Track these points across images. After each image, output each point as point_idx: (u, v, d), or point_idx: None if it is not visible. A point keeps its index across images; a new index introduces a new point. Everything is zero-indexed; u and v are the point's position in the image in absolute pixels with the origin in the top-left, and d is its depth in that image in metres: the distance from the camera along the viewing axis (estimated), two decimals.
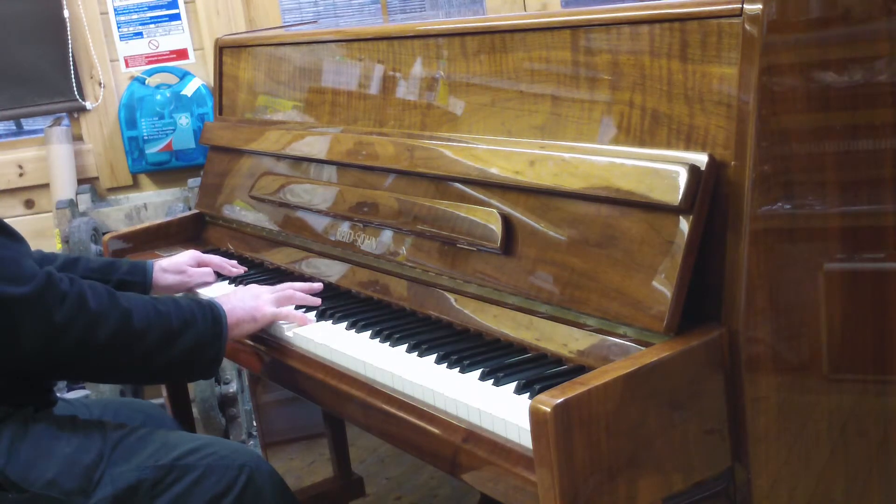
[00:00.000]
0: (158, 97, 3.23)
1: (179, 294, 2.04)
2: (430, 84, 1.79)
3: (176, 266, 2.06)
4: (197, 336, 1.66)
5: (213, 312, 1.70)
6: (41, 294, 1.54)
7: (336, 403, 1.62)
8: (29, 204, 3.39)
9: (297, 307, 1.81)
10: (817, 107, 1.32)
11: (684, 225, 1.27)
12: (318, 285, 1.88)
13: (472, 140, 1.66)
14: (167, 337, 1.63)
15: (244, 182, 2.25)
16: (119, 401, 2.10)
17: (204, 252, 2.29)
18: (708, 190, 1.27)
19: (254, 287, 1.83)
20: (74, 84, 3.27)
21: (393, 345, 1.59)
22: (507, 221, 1.53)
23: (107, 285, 1.66)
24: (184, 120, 3.24)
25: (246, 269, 2.12)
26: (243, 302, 1.77)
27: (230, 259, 2.21)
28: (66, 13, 3.21)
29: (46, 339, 1.55)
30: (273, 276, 2.06)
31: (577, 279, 1.40)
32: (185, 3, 3.30)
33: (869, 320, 1.41)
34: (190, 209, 2.87)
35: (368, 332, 1.65)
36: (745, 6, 1.25)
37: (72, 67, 3.26)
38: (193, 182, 3.16)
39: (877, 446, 1.45)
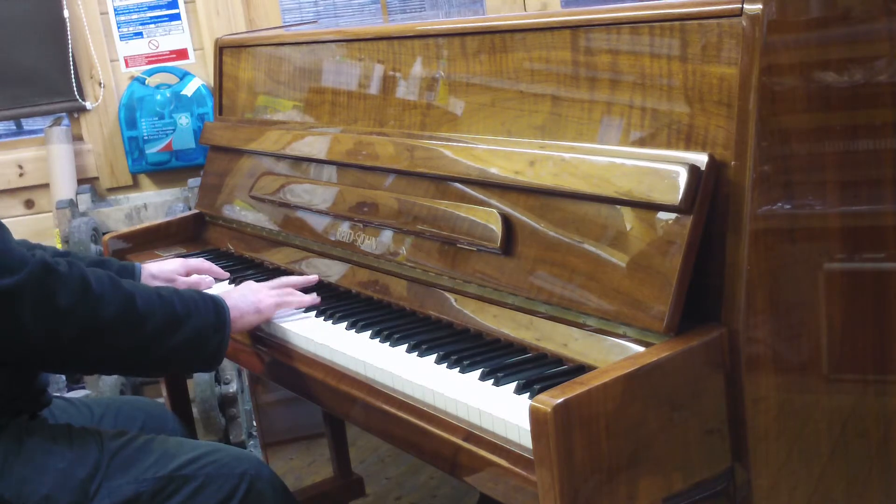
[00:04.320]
0: (158, 97, 3.23)
1: None
2: (430, 84, 1.79)
3: (166, 275, 2.02)
4: (200, 324, 1.64)
5: (215, 304, 1.68)
6: (40, 280, 1.50)
7: (336, 403, 1.62)
8: (29, 204, 3.39)
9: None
10: (817, 107, 1.32)
11: (684, 225, 1.27)
12: (313, 277, 1.89)
13: (472, 140, 1.66)
14: (171, 322, 1.61)
15: (244, 182, 2.25)
16: (120, 399, 2.08)
17: (203, 251, 2.29)
18: (708, 190, 1.27)
19: (250, 283, 1.83)
20: (74, 84, 3.27)
21: (393, 345, 1.59)
22: (507, 221, 1.53)
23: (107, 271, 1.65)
24: (184, 120, 3.24)
25: (230, 274, 2.09)
26: (244, 297, 1.77)
27: (229, 259, 2.22)
28: (66, 13, 3.21)
29: (52, 325, 1.51)
30: (273, 275, 2.05)
31: (577, 279, 1.40)
32: (185, 3, 3.30)
33: (869, 320, 1.41)
34: (190, 209, 2.87)
35: (368, 332, 1.65)
36: (745, 6, 1.25)
37: (72, 67, 3.26)
38: (193, 182, 3.16)
39: (877, 446, 1.45)
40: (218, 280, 2.07)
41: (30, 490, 1.55)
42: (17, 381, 1.67)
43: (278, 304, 1.79)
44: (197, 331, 1.63)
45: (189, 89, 3.24)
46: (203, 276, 2.05)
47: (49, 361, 1.61)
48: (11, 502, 1.54)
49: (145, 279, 1.99)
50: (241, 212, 2.25)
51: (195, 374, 2.98)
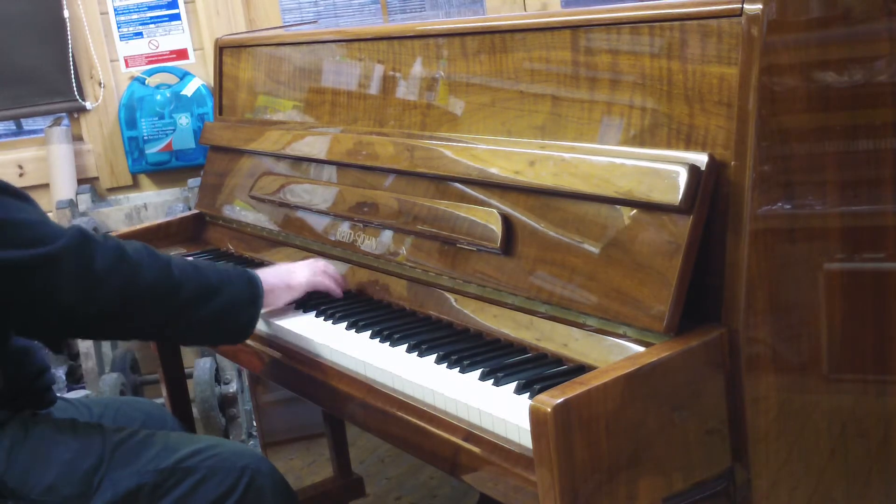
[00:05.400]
0: (158, 97, 3.23)
1: None
2: (430, 84, 1.79)
3: None
4: (233, 295, 1.67)
5: (248, 277, 1.71)
6: (78, 246, 1.53)
7: (336, 403, 1.62)
8: None
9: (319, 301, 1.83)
10: (817, 107, 1.32)
11: (684, 225, 1.27)
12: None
13: (472, 140, 1.66)
14: (205, 291, 1.63)
15: (244, 182, 2.25)
16: (120, 400, 2.10)
17: (203, 252, 2.29)
18: (708, 190, 1.27)
19: (286, 264, 1.86)
20: (74, 84, 3.27)
21: (393, 345, 1.59)
22: (507, 221, 1.53)
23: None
24: (184, 120, 3.24)
25: None
26: (277, 273, 1.80)
27: (229, 259, 2.22)
28: (66, 13, 3.22)
29: (89, 290, 1.54)
30: None
31: (577, 279, 1.40)
32: (185, 3, 3.30)
33: (869, 320, 1.41)
34: (190, 209, 2.87)
35: (368, 332, 1.65)
36: (745, 6, 1.25)
37: (72, 67, 3.26)
38: (193, 182, 3.16)
39: (877, 446, 1.45)
40: None
41: (34, 480, 1.57)
42: (20, 377, 1.68)
43: (311, 283, 1.81)
44: (230, 303, 1.66)
45: (189, 89, 3.24)
46: None
47: (85, 327, 1.63)
48: (16, 491, 1.55)
49: None
50: (241, 212, 2.25)
51: (195, 374, 2.99)
